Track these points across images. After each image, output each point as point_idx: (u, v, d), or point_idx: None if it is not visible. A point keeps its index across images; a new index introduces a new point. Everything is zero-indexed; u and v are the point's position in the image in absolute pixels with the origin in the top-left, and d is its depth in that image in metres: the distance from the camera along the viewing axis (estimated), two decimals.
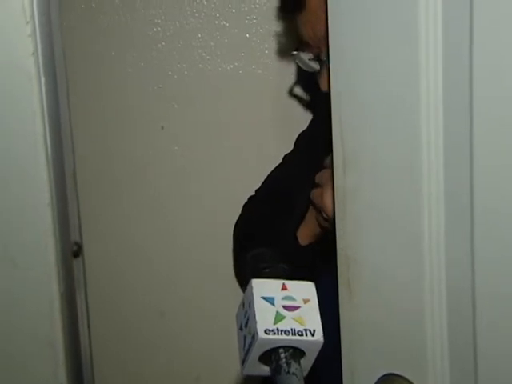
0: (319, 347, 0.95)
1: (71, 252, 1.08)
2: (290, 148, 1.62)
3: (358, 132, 0.91)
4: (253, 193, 1.60)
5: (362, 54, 0.88)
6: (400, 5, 0.82)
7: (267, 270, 1.11)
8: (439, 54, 0.80)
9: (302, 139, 1.60)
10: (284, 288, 1.01)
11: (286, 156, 1.61)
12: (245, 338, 0.97)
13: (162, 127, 1.82)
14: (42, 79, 0.95)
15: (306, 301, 1.00)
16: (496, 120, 0.76)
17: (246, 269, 1.25)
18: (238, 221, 1.59)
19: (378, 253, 0.91)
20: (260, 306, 0.96)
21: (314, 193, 1.29)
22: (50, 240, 1.03)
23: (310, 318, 0.96)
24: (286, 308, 0.98)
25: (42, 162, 0.99)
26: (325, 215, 1.26)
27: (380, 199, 0.89)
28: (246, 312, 0.99)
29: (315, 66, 1.32)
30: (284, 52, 1.66)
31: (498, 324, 0.80)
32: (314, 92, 1.41)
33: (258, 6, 1.76)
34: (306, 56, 1.33)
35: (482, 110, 0.76)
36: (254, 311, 0.95)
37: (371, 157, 0.89)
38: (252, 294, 0.98)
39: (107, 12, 1.76)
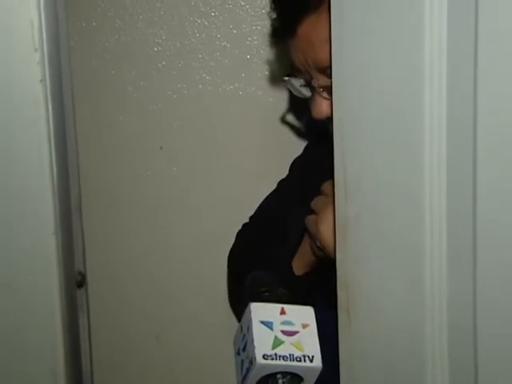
0: (317, 373, 0.96)
1: (75, 282, 1.08)
2: (282, 170, 1.63)
3: (360, 159, 0.91)
4: (246, 218, 1.61)
5: (365, 79, 0.89)
6: (404, 29, 0.83)
7: (266, 294, 1.13)
8: (443, 80, 0.80)
9: (296, 165, 1.60)
10: (283, 312, 1.02)
11: (280, 182, 1.61)
12: (242, 362, 0.98)
13: (161, 147, 1.83)
14: (50, 106, 0.97)
15: (304, 326, 1.01)
16: (501, 145, 0.75)
17: (245, 291, 1.27)
18: (231, 249, 1.59)
19: (378, 282, 0.91)
20: (258, 330, 0.97)
21: (309, 220, 1.27)
22: (53, 270, 1.03)
23: (308, 344, 0.97)
24: (285, 333, 0.99)
25: (48, 191, 1.00)
26: (319, 243, 1.24)
27: (382, 227, 0.89)
28: (244, 336, 1.01)
29: (306, 92, 1.32)
30: (276, 78, 1.68)
31: (500, 361, 0.79)
32: (307, 119, 1.43)
33: (259, 27, 1.77)
34: (297, 82, 1.32)
35: (486, 135, 0.76)
36: (253, 335, 0.96)
37: (374, 184, 0.90)
38: (251, 317, 0.99)
39: (108, 31, 1.78)
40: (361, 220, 0.92)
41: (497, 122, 0.75)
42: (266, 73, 1.79)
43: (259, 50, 1.79)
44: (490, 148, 0.76)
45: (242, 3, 1.77)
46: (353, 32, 0.91)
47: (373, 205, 0.90)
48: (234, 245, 1.59)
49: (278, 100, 1.79)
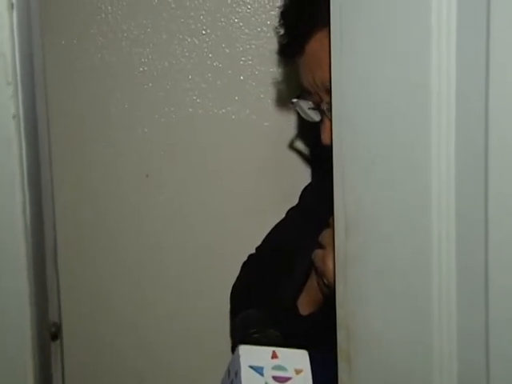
0: None
1: (49, 334, 1.06)
2: (285, 201, 1.63)
3: (361, 193, 0.92)
4: (238, 252, 1.61)
5: (367, 108, 0.90)
6: (411, 50, 0.83)
7: (257, 336, 1.12)
8: (452, 102, 0.80)
9: (306, 193, 1.60)
10: (274, 356, 1.01)
11: (289, 210, 1.61)
12: None
13: (147, 175, 1.84)
14: (23, 145, 0.95)
15: (298, 371, 1.00)
16: None
17: (234, 333, 1.26)
18: (235, 282, 1.59)
19: (381, 324, 0.91)
20: (247, 376, 0.96)
21: (316, 254, 1.28)
22: (26, 321, 1.01)
23: None
24: (276, 379, 0.98)
25: (21, 235, 0.98)
26: (326, 281, 1.25)
27: (385, 265, 0.89)
28: (232, 382, 1.00)
29: (315, 116, 1.33)
30: (283, 100, 1.69)
31: None
32: (316, 145, 1.44)
33: (253, 46, 1.78)
34: (305, 104, 1.34)
35: (498, 172, 0.76)
36: (241, 382, 0.96)
37: (376, 219, 0.90)
38: (239, 362, 0.98)
39: (90, 49, 1.79)
40: (362, 257, 0.92)
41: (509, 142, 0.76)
42: (262, 95, 1.80)
43: (254, 71, 1.80)
44: (501, 175, 0.76)
45: (236, 20, 1.79)
46: (354, 51, 0.91)
47: (375, 241, 0.90)
48: (238, 277, 1.59)
49: (274, 125, 1.80)
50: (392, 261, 0.89)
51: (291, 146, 1.78)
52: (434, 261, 0.83)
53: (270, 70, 1.78)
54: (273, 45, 1.65)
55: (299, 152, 1.78)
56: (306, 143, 1.77)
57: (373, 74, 0.89)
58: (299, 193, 1.62)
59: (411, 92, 0.84)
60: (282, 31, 1.34)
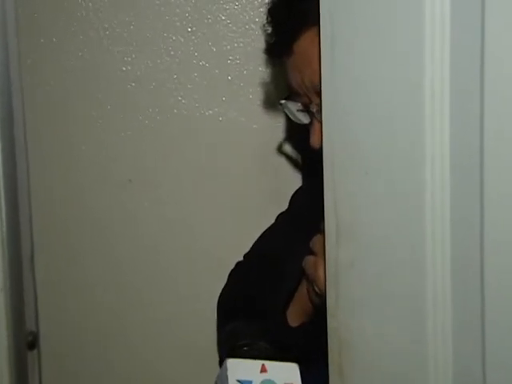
0: None
1: (26, 343, 1.05)
2: (274, 206, 1.63)
3: (353, 197, 0.92)
4: (225, 260, 1.61)
5: (358, 109, 0.90)
6: (406, 49, 0.84)
7: (245, 349, 1.12)
8: (446, 101, 0.81)
9: (296, 198, 1.61)
10: (263, 370, 1.01)
11: (279, 216, 1.61)
12: None
13: (130, 180, 1.84)
14: None
15: None
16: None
17: (221, 346, 1.26)
18: (222, 291, 1.59)
19: (375, 335, 0.91)
20: None
21: (307, 261, 1.28)
22: (1, 331, 1.00)
23: None
24: None
25: None
26: (317, 289, 1.24)
27: (379, 274, 0.90)
28: None
29: (304, 118, 1.34)
30: (271, 101, 1.69)
31: None
32: (305, 149, 1.45)
33: (241, 44, 1.79)
34: (294, 106, 1.34)
35: (494, 175, 0.77)
36: None
37: (369, 224, 0.90)
38: (226, 376, 0.98)
39: (69, 48, 1.79)
40: (354, 266, 0.92)
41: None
42: (250, 96, 1.81)
43: (242, 71, 1.80)
44: (497, 177, 0.77)
45: (223, 17, 1.79)
46: (346, 48, 0.92)
47: (368, 248, 0.90)
48: (225, 286, 1.59)
49: (264, 127, 1.80)
50: (386, 268, 0.89)
51: (280, 150, 1.78)
52: (429, 268, 0.83)
53: (259, 69, 1.78)
54: (262, 43, 1.62)
55: (289, 156, 1.79)
56: (295, 146, 1.78)
57: (366, 74, 0.89)
58: (289, 197, 1.62)
59: (405, 93, 0.85)
60: (269, 29, 1.34)
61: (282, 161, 1.80)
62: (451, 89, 0.81)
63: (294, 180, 1.72)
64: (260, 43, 1.69)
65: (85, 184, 1.84)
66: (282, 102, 1.37)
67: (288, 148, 1.79)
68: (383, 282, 0.89)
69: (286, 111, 1.37)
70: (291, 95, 1.35)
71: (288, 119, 1.45)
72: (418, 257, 0.84)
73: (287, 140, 1.78)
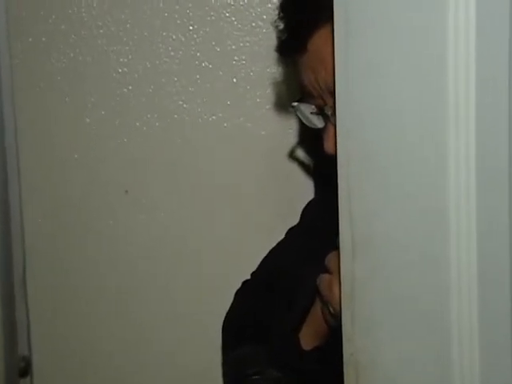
0: None
1: (18, 370, 1.04)
2: (285, 220, 1.63)
3: (370, 210, 0.92)
4: (229, 279, 1.61)
5: (376, 109, 0.91)
6: (427, 44, 0.84)
7: (255, 377, 1.11)
8: (471, 105, 0.81)
9: (309, 211, 1.61)
10: None
11: (289, 230, 1.61)
12: None
13: (127, 191, 1.84)
14: None
15: None
16: None
17: (228, 374, 1.25)
18: (228, 312, 1.59)
19: (394, 360, 0.91)
20: None
21: (321, 280, 1.28)
22: None
23: None
24: None
25: None
26: (332, 310, 1.25)
27: (398, 293, 0.90)
28: None
29: (317, 121, 1.34)
30: (283, 104, 1.70)
31: None
32: (319, 155, 1.44)
33: (248, 44, 1.79)
34: (307, 109, 1.35)
35: None
36: None
37: (387, 239, 0.91)
38: None
39: (61, 48, 1.79)
40: (371, 283, 0.93)
41: None
42: (258, 100, 1.80)
43: (248, 72, 1.80)
44: None
45: (227, 14, 1.79)
46: (363, 48, 0.92)
47: (386, 264, 0.91)
48: (231, 307, 1.59)
49: (272, 134, 1.80)
50: (406, 285, 0.89)
51: (291, 156, 1.78)
52: (453, 284, 0.83)
53: (267, 70, 1.78)
54: (270, 42, 1.64)
55: (300, 163, 1.79)
56: (308, 153, 1.77)
57: (385, 75, 0.89)
58: (300, 210, 1.62)
59: (428, 97, 0.85)
60: (281, 25, 1.34)
61: (293, 170, 1.80)
62: (477, 93, 0.81)
63: (306, 191, 1.72)
64: (268, 42, 1.71)
65: (77, 196, 1.84)
66: (294, 104, 1.37)
67: (300, 154, 1.79)
68: (403, 300, 0.89)
69: (299, 114, 1.38)
70: (304, 97, 1.36)
71: (301, 123, 1.45)
72: (442, 271, 0.84)
73: (299, 146, 1.78)
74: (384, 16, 0.89)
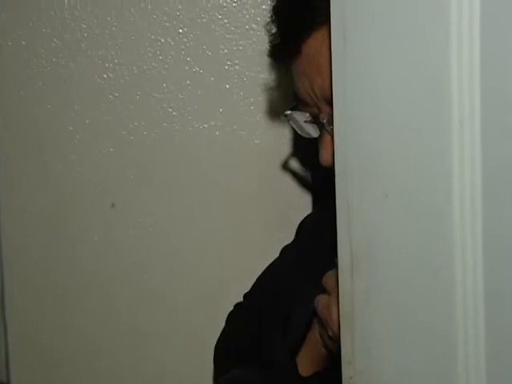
0: None
1: None
2: (280, 236, 1.64)
3: (371, 223, 0.92)
4: (223, 297, 1.62)
5: (376, 115, 0.90)
6: (430, 46, 0.84)
7: None
8: (477, 109, 0.81)
9: (305, 228, 1.60)
10: None
11: (284, 248, 1.61)
12: None
13: (113, 205, 1.83)
14: None
15: None
16: None
17: None
18: (220, 336, 1.59)
19: (397, 382, 0.91)
20: None
21: (319, 301, 1.28)
22: None
23: None
24: None
25: None
26: (331, 333, 1.24)
27: (400, 314, 0.90)
28: None
29: (312, 130, 1.34)
30: (276, 111, 1.69)
31: None
32: (315, 166, 1.44)
33: (241, 47, 1.78)
34: (301, 117, 1.34)
35: None
36: None
37: (389, 255, 0.90)
38: None
39: (42, 53, 1.78)
40: (372, 302, 0.92)
41: None
42: (252, 107, 1.80)
43: (242, 78, 1.80)
44: None
45: (219, 16, 1.79)
46: (361, 57, 0.92)
47: (387, 283, 0.91)
48: (223, 331, 1.59)
49: (267, 143, 1.80)
50: (409, 304, 0.89)
51: (286, 168, 1.78)
52: (458, 301, 0.83)
53: (262, 76, 1.78)
54: (265, 45, 1.60)
55: (296, 175, 1.78)
56: (304, 164, 1.77)
57: (385, 78, 0.89)
58: (296, 223, 1.61)
59: (431, 101, 0.84)
60: (273, 29, 1.34)
61: (289, 182, 1.80)
62: (482, 95, 0.80)
63: (302, 204, 1.72)
64: (263, 46, 1.68)
65: (61, 209, 1.84)
66: (288, 112, 1.37)
67: (295, 166, 1.79)
68: (406, 318, 0.89)
69: (292, 123, 1.37)
70: (298, 105, 1.35)
71: (295, 133, 1.45)
72: (446, 288, 0.84)
73: (294, 156, 1.78)
74: (384, 17, 0.88)
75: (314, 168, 1.71)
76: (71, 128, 1.82)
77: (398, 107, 0.88)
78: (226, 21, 1.79)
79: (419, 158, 0.86)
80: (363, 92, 0.92)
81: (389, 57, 0.88)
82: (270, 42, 1.37)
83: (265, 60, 1.70)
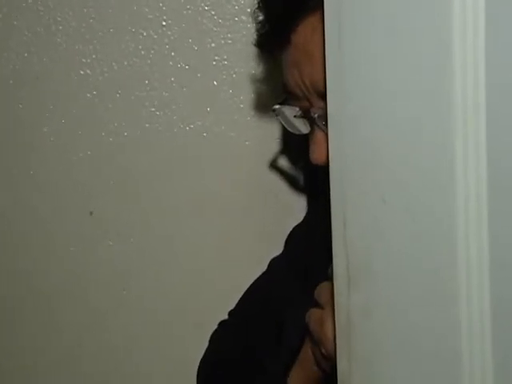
0: None
1: None
2: (271, 246, 1.63)
3: (368, 231, 0.92)
4: (209, 314, 1.61)
5: (374, 111, 0.90)
6: (430, 41, 0.83)
7: None
8: (482, 104, 0.80)
9: (295, 238, 1.61)
10: None
11: (272, 261, 1.62)
12: None
13: (91, 213, 1.83)
14: None
15: None
16: None
17: None
18: (203, 358, 1.59)
19: None
20: None
21: (311, 315, 1.28)
22: None
23: None
24: None
25: None
26: (324, 350, 1.24)
27: (401, 332, 0.90)
28: None
29: (302, 126, 1.34)
30: (264, 106, 1.69)
31: None
32: (305, 166, 1.44)
33: (230, 41, 1.78)
34: (290, 111, 1.35)
35: None
36: None
37: (388, 269, 0.90)
38: None
39: (13, 48, 1.78)
40: (370, 318, 0.92)
41: None
42: (241, 105, 1.80)
43: (231, 74, 1.80)
44: None
45: (206, 8, 1.79)
46: (359, 46, 0.92)
47: (387, 298, 0.91)
48: (206, 351, 1.59)
49: (258, 144, 1.79)
50: (410, 322, 0.89)
51: (278, 170, 1.78)
52: (463, 324, 0.83)
53: (252, 72, 1.77)
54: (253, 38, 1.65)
55: (289, 178, 1.79)
56: (296, 165, 1.78)
57: (383, 69, 0.89)
58: (288, 229, 1.63)
59: (433, 94, 0.84)
60: (260, 16, 1.35)
61: (282, 185, 1.80)
62: (487, 90, 0.80)
63: (294, 209, 1.72)
64: (253, 39, 1.70)
65: (33, 217, 1.84)
66: (276, 107, 1.38)
67: (288, 168, 1.79)
68: (407, 342, 0.90)
69: (281, 118, 1.38)
70: (288, 99, 1.36)
71: (284, 130, 1.46)
72: (450, 306, 0.84)
73: (286, 158, 1.78)
74: (382, 2, 0.88)
75: (305, 167, 1.72)
76: (45, 129, 1.81)
77: (399, 101, 0.88)
78: (213, 12, 1.79)
79: (421, 158, 0.86)
80: (360, 85, 0.92)
81: (388, 45, 0.88)
82: (257, 30, 1.38)
83: (255, 55, 1.70)
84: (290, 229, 1.64)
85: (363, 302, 0.93)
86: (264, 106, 1.70)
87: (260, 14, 1.35)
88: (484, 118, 0.80)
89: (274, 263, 1.61)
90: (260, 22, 1.35)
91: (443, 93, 0.82)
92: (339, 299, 0.97)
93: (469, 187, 0.82)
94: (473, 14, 0.80)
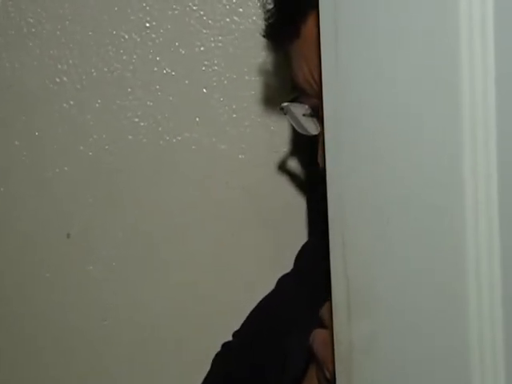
0: None
1: None
2: (274, 267, 1.64)
3: (370, 254, 0.93)
4: (219, 335, 1.61)
5: (376, 113, 0.90)
6: (436, 37, 0.83)
7: None
8: (491, 110, 0.80)
9: (303, 256, 1.62)
10: None
11: (280, 280, 1.63)
12: None
13: (68, 235, 1.82)
14: None
15: None
16: None
17: None
18: (205, 380, 1.60)
19: None
20: None
21: (316, 336, 1.28)
22: None
23: None
24: None
25: None
26: (328, 374, 1.24)
27: (407, 359, 0.90)
28: None
29: (311, 126, 1.36)
30: (273, 101, 1.70)
31: None
32: (312, 171, 1.46)
33: (220, 44, 1.79)
34: (299, 110, 1.36)
35: None
36: None
37: (392, 297, 0.91)
38: None
39: None
40: (373, 350, 0.93)
41: None
42: (234, 115, 1.80)
43: (222, 80, 1.80)
44: None
45: (194, 8, 1.79)
46: (355, 46, 0.92)
47: (392, 326, 0.91)
48: (208, 375, 1.61)
49: (253, 158, 1.80)
50: (417, 351, 0.89)
51: (282, 168, 1.78)
52: (474, 353, 0.82)
53: (246, 78, 1.79)
54: (248, 42, 1.70)
55: (289, 195, 1.80)
56: (298, 182, 1.79)
57: (383, 72, 0.89)
58: (294, 254, 1.62)
59: (439, 98, 0.84)
60: (270, 6, 1.38)
61: (283, 202, 1.81)
62: (497, 95, 0.80)
63: (296, 231, 1.73)
64: (246, 42, 1.74)
65: (10, 239, 1.84)
66: (284, 104, 1.39)
67: (294, 165, 1.80)
68: (414, 370, 0.90)
69: (289, 117, 1.40)
70: (298, 96, 1.38)
71: (294, 130, 1.46)
72: (459, 334, 0.84)
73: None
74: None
75: (311, 173, 1.73)
76: (17, 143, 1.82)
77: (402, 106, 0.88)
78: (202, 13, 1.79)
79: (427, 175, 0.86)
80: (358, 88, 0.92)
81: (390, 44, 0.88)
82: (266, 20, 1.40)
83: (249, 59, 1.73)
84: (292, 249, 1.64)
85: (366, 334, 0.94)
86: (271, 100, 1.71)
87: (269, 3, 1.38)
88: (494, 118, 0.80)
89: (281, 281, 1.62)
90: (269, 11, 1.38)
91: (449, 91, 0.82)
92: (339, 330, 0.97)
93: (478, 210, 0.81)
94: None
